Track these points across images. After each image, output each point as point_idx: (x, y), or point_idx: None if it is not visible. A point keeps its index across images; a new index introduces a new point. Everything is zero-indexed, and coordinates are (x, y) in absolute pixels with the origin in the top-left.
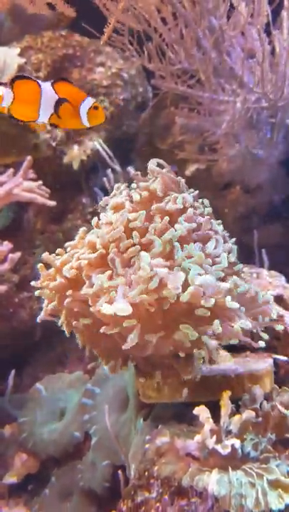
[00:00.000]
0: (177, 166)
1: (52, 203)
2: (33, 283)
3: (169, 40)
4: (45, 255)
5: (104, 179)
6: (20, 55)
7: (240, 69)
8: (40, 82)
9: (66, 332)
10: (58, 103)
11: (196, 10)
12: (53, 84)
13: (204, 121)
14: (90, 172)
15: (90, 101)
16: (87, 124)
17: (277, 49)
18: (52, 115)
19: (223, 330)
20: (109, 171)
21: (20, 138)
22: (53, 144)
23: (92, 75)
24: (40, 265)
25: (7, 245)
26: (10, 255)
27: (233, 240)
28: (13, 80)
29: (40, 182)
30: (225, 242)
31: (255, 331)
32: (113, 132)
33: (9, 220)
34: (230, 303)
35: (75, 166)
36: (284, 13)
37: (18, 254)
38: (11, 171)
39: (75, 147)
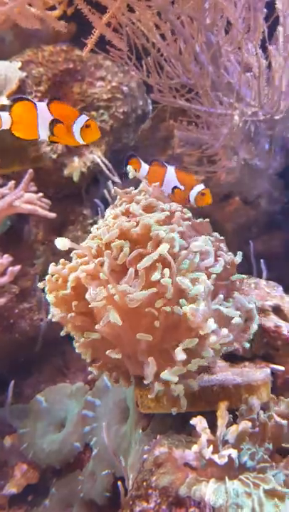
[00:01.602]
0: None
1: (52, 215)
2: (40, 284)
3: (167, 55)
4: (53, 267)
5: (105, 191)
6: (21, 69)
7: (238, 83)
8: (36, 103)
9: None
10: (52, 123)
11: (194, 26)
12: (48, 104)
13: (202, 134)
14: (91, 184)
15: (82, 119)
16: (81, 142)
17: (273, 64)
18: (49, 134)
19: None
20: (110, 182)
21: (23, 149)
22: (54, 156)
23: (92, 88)
24: (48, 277)
25: (7, 258)
26: (10, 268)
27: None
28: (12, 103)
29: (41, 194)
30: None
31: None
32: (113, 145)
33: (6, 228)
34: (212, 325)
35: (76, 178)
36: (280, 29)
37: (17, 268)
38: (11, 183)
39: (76, 159)
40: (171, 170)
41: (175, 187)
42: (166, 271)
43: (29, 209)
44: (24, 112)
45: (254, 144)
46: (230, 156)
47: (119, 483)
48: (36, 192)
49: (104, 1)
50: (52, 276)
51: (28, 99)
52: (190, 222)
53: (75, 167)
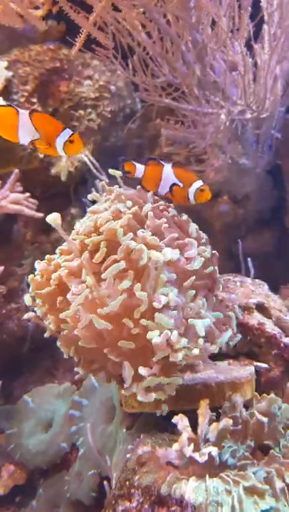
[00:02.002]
0: None
1: (39, 215)
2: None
3: (153, 54)
4: (40, 265)
5: (93, 190)
6: (8, 68)
7: (224, 82)
8: (19, 110)
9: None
10: (32, 140)
11: (180, 24)
12: (30, 114)
13: (189, 133)
14: (79, 183)
15: (65, 135)
16: (64, 155)
17: (259, 62)
18: (30, 143)
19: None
20: (98, 181)
21: (14, 150)
22: (41, 155)
23: (79, 87)
24: (30, 276)
25: None
26: None
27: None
28: None
29: (28, 194)
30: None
31: None
32: (101, 144)
33: None
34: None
35: (63, 177)
36: (265, 27)
37: (1, 268)
38: None
39: (63, 158)
40: (168, 167)
41: (174, 184)
42: (138, 285)
43: (15, 209)
44: (4, 116)
45: (241, 142)
46: (218, 154)
47: (105, 482)
48: (23, 192)
49: (90, 0)
50: (35, 276)
51: (12, 106)
52: (165, 220)
53: (63, 166)
